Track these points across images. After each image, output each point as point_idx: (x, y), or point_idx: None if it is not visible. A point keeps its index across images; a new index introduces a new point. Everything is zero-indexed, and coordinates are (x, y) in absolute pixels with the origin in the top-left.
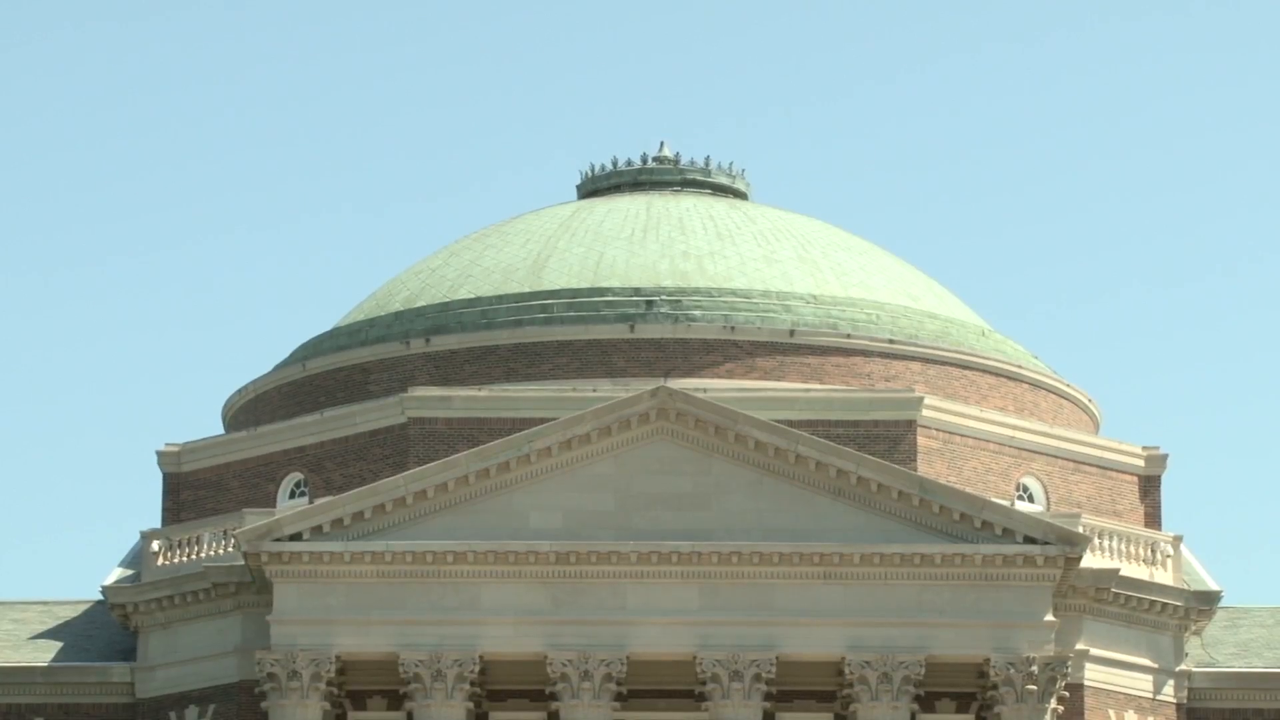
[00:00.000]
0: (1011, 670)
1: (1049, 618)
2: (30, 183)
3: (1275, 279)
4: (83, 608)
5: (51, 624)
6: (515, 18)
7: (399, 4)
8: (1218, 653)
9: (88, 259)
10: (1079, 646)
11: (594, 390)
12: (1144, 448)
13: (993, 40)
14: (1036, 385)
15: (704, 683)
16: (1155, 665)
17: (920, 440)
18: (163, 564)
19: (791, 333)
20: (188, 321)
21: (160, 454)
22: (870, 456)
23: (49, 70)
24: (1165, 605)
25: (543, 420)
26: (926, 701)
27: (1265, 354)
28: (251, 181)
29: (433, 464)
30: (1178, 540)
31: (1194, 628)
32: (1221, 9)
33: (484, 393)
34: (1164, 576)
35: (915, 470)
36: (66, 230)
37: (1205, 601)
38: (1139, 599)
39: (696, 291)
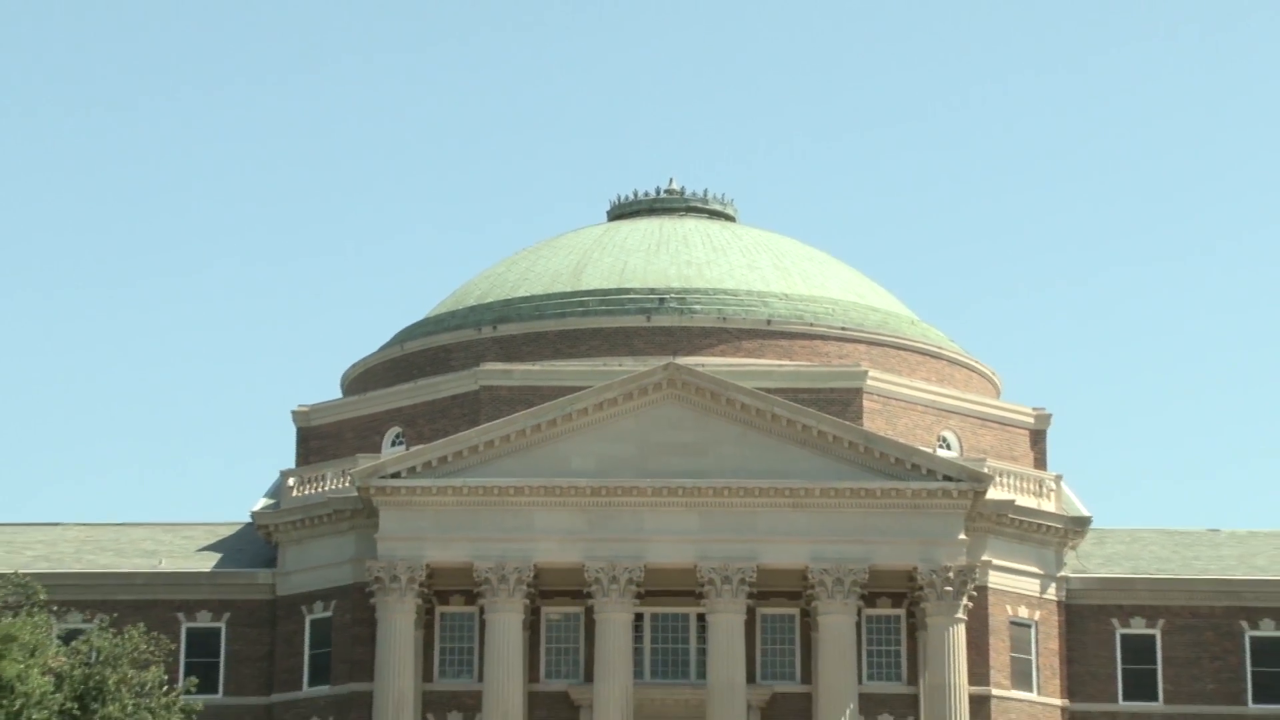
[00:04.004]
0: (934, 576)
1: (961, 536)
2: (194, 200)
3: (1144, 277)
4: (236, 528)
5: (213, 540)
6: (563, 86)
7: (474, 77)
8: (1088, 563)
9: (243, 264)
10: (984, 558)
11: (620, 365)
12: (1034, 408)
13: (925, 98)
14: (953, 362)
15: (702, 585)
16: (1041, 572)
17: (865, 403)
18: (296, 495)
19: (769, 322)
20: (317, 313)
21: (295, 413)
22: (828, 415)
23: (228, 85)
24: (1049, 527)
25: (581, 388)
26: (870, 599)
27: (1131, 333)
28: (364, 210)
29: (498, 420)
30: (1058, 479)
31: (1071, 544)
32: (1112, 16)
33: (537, 367)
34: (1048, 506)
35: (862, 425)
36: (223, 242)
37: (1079, 524)
38: (1029, 522)
39: (697, 291)
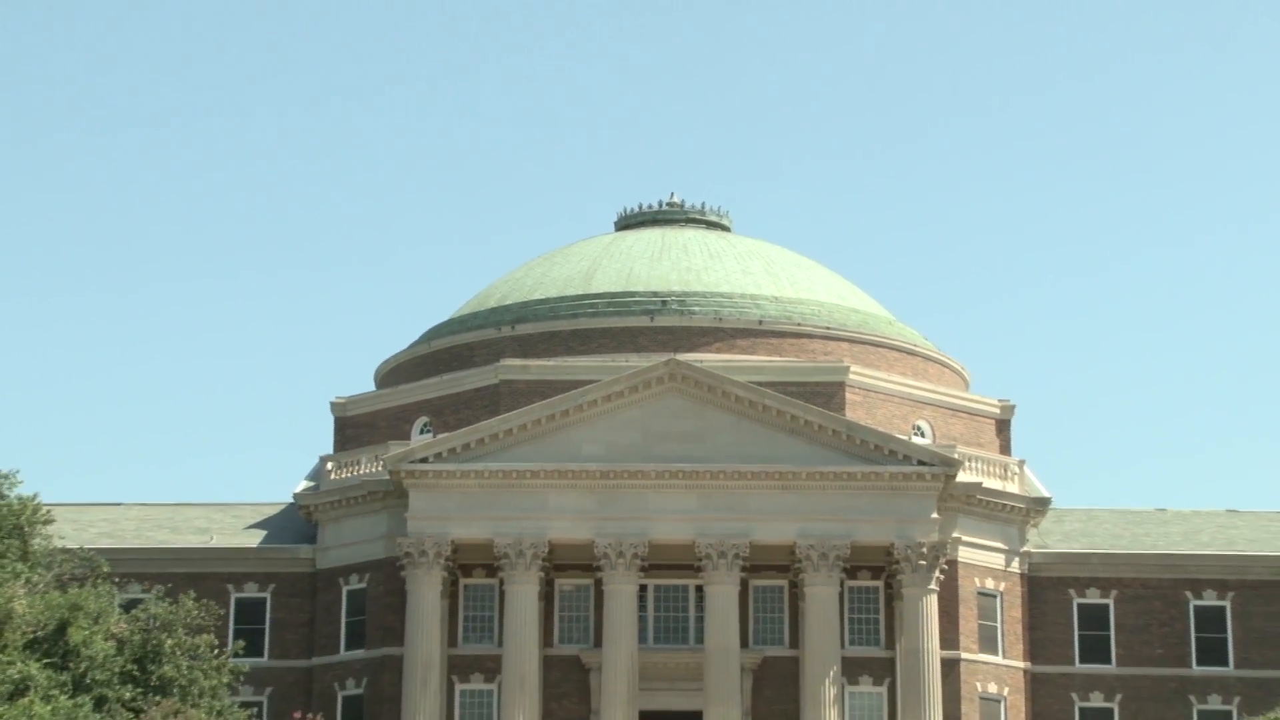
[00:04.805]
0: (909, 551)
1: (934, 515)
2: (246, 213)
3: (1100, 281)
4: (280, 507)
5: (259, 519)
6: (576, 109)
7: (498, 102)
8: (1048, 539)
9: (287, 270)
10: (954, 535)
11: (626, 362)
12: (999, 400)
13: (905, 124)
14: (926, 358)
15: (700, 559)
16: (1006, 548)
17: (848, 395)
18: (335, 478)
19: (760, 322)
20: (353, 314)
21: (333, 403)
22: (814, 406)
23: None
24: (1013, 507)
25: (591, 381)
26: (851, 572)
27: (1088, 332)
28: (395, 221)
29: (516, 411)
30: (1021, 463)
31: (1032, 522)
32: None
33: (552, 363)
34: (1012, 488)
35: (844, 415)
36: (271, 251)
37: (1040, 505)
38: (995, 502)
39: (696, 294)
